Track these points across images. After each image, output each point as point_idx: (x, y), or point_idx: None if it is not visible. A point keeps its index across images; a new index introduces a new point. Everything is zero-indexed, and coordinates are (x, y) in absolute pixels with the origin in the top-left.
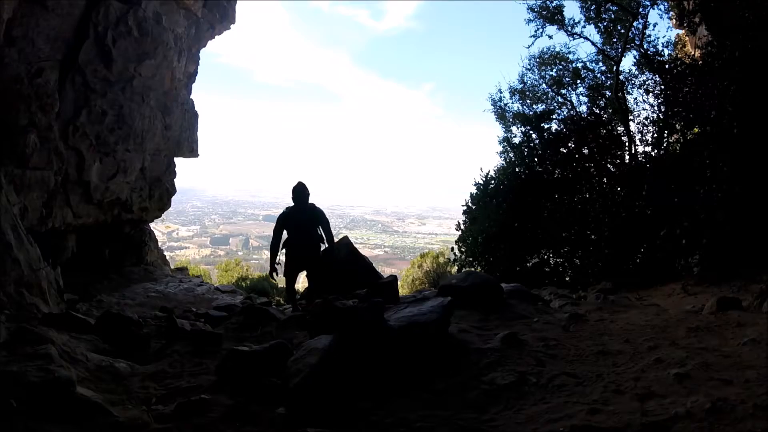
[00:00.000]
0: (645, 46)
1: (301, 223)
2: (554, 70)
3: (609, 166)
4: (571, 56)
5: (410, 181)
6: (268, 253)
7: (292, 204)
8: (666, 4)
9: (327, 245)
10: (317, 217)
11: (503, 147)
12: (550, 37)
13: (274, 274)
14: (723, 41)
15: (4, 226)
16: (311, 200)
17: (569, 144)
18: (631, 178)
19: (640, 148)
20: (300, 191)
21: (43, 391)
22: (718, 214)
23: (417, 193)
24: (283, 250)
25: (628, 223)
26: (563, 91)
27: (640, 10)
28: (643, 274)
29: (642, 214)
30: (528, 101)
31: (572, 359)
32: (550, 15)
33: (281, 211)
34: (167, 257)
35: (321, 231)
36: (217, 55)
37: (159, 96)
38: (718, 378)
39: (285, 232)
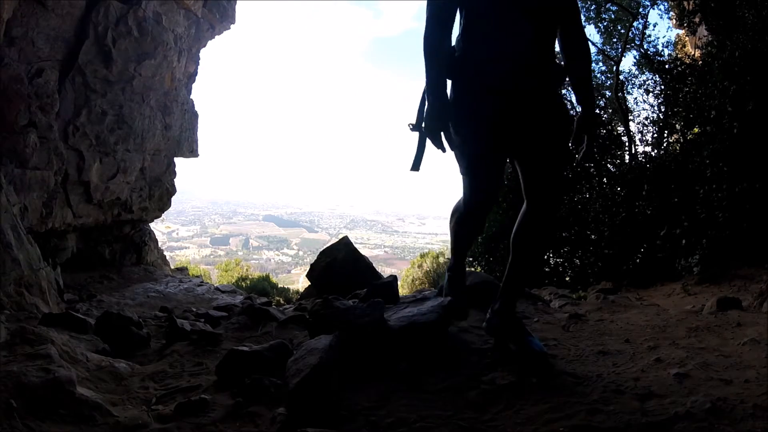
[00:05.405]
0: (645, 46)
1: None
2: None
3: (609, 166)
4: None
5: (411, 181)
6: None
7: None
8: (666, 4)
9: (582, 76)
10: None
11: None
12: None
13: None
14: (723, 41)
15: (3, 225)
16: None
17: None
18: (631, 178)
19: (640, 148)
20: None
21: (43, 391)
22: (718, 214)
23: (417, 193)
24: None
25: (628, 223)
26: (563, 92)
27: (640, 10)
28: (643, 274)
29: (642, 214)
30: None
31: (572, 359)
32: None
33: None
34: (167, 257)
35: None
36: (217, 54)
37: (159, 96)
38: (718, 378)
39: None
